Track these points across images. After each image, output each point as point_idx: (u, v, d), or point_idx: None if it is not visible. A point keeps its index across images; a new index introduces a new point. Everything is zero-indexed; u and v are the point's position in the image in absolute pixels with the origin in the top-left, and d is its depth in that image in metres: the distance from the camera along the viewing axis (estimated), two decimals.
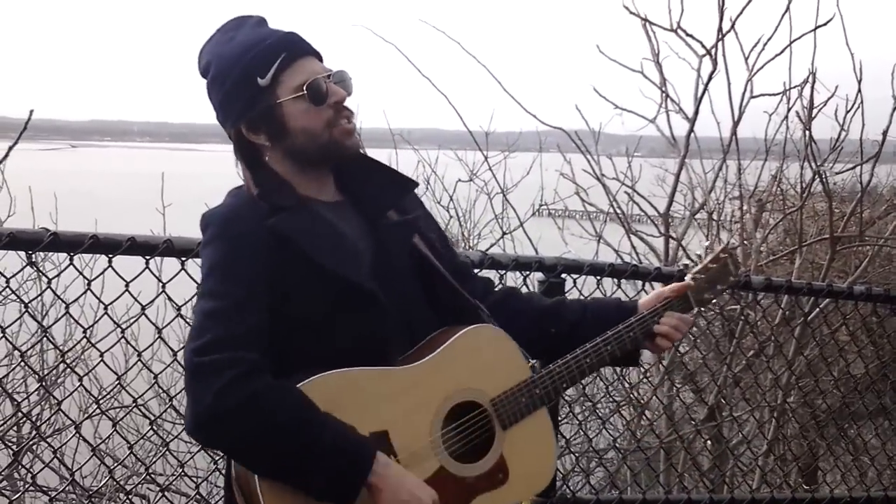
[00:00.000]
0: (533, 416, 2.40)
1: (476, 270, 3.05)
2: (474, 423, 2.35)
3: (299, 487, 2.10)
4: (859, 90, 5.68)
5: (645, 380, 5.01)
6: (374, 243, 2.37)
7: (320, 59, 2.38)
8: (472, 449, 2.35)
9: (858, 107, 5.75)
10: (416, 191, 2.60)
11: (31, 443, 4.73)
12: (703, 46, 5.85)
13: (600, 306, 2.68)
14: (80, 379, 3.21)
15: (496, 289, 2.74)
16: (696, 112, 6.00)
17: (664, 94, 6.08)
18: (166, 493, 3.31)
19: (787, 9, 5.67)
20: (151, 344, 3.19)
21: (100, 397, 3.34)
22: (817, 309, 5.36)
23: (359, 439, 2.13)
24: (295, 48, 2.32)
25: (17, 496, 3.91)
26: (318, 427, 2.08)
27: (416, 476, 2.20)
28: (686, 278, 2.69)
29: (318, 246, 2.25)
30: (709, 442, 5.79)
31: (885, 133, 5.76)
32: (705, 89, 5.92)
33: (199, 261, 3.01)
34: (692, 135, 6.10)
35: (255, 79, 2.27)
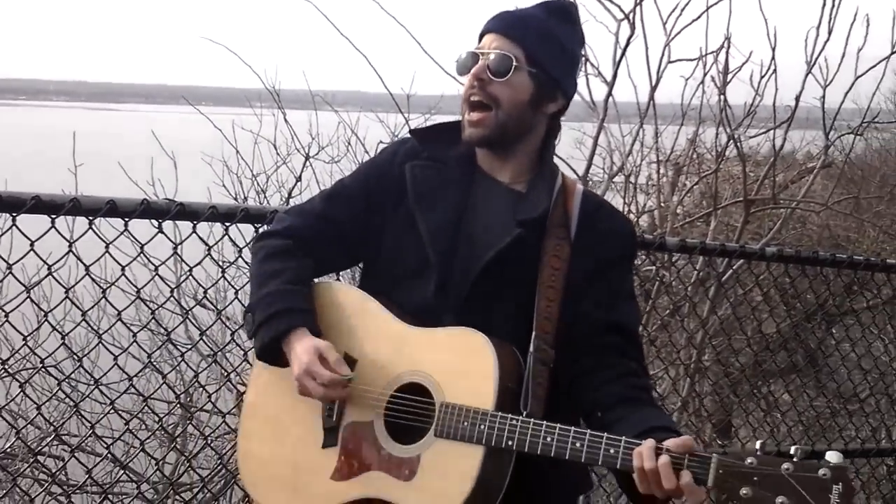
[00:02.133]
0: (467, 446, 2.24)
1: None
2: (418, 409, 2.32)
3: (246, 325, 2.49)
4: (773, 56, 5.77)
5: None
6: (506, 241, 2.39)
7: (514, 40, 2.42)
8: (400, 427, 2.34)
9: (772, 72, 5.84)
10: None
11: None
12: (622, 10, 5.87)
13: (641, 418, 2.26)
14: None
15: (618, 362, 2.41)
16: (615, 76, 6.02)
17: (584, 58, 6.10)
18: (76, 454, 3.27)
19: None
20: (59, 304, 3.14)
21: (7, 358, 3.27)
22: (731, 270, 5.46)
23: (296, 309, 2.40)
24: (488, 24, 2.48)
25: None
26: (279, 286, 2.42)
27: (349, 413, 2.40)
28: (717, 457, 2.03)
29: (424, 203, 2.45)
30: None
31: (797, 98, 5.86)
32: (623, 53, 5.94)
33: (110, 220, 3.02)
34: (611, 99, 6.14)
35: None
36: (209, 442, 4.21)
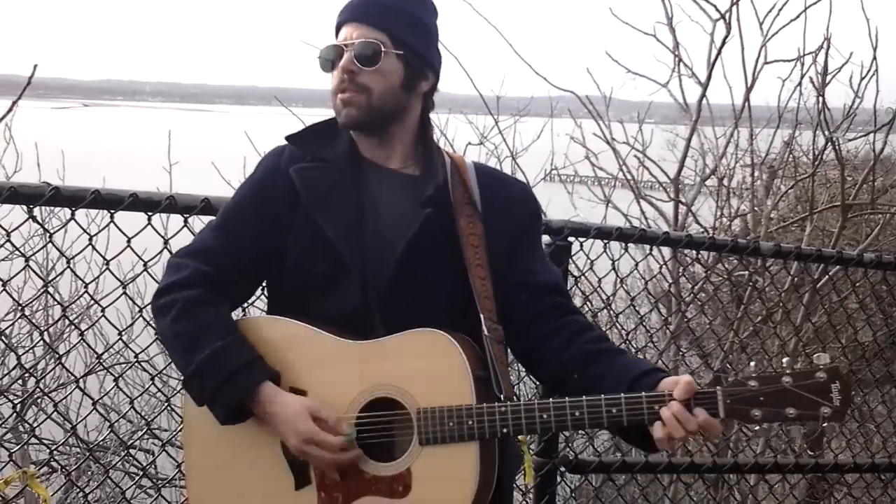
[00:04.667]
0: (458, 446, 2.19)
1: None
2: (391, 423, 2.24)
3: (194, 392, 2.28)
4: (874, 56, 5.63)
5: (651, 344, 5.00)
6: (417, 226, 2.32)
7: (375, 25, 2.33)
8: (381, 447, 2.25)
9: (873, 74, 5.70)
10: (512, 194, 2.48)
11: (34, 397, 4.75)
12: (717, 10, 5.79)
13: (622, 369, 2.27)
14: (82, 334, 3.21)
15: (565, 315, 2.40)
16: (709, 77, 5.95)
17: (677, 59, 6.03)
18: (167, 449, 3.32)
19: None
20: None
21: (102, 352, 3.33)
22: (827, 276, 5.33)
23: (249, 362, 2.24)
24: (344, 14, 2.39)
25: (17, 447, 3.93)
26: (215, 342, 2.24)
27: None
28: (729, 379, 2.14)
29: (321, 204, 2.33)
30: None
31: None
32: (718, 54, 5.87)
33: (203, 217, 3.05)
34: (704, 100, 6.06)
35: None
36: None
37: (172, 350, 2.35)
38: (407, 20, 2.37)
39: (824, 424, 2.13)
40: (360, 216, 2.35)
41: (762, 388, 2.11)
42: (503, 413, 2.18)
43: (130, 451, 4.58)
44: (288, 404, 2.22)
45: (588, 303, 4.06)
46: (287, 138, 2.44)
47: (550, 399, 2.18)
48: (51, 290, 3.82)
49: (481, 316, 2.30)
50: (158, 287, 2.36)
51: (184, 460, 2.44)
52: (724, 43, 5.78)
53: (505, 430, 2.18)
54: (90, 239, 2.92)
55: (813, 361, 2.12)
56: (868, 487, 5.00)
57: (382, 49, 2.31)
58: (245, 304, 2.72)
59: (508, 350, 2.39)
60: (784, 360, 2.16)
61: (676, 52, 5.99)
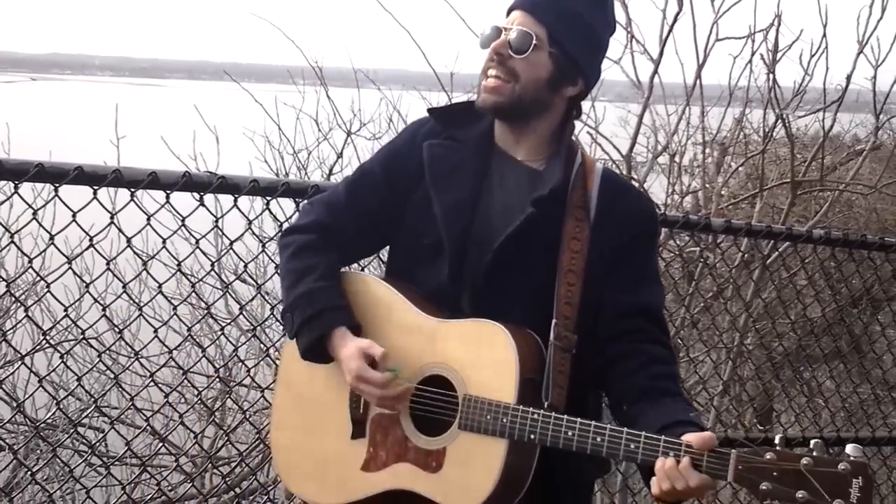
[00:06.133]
0: (490, 439, 2.26)
1: None
2: (442, 401, 2.33)
3: (287, 325, 2.46)
4: (824, 34, 5.66)
5: None
6: (519, 221, 2.38)
7: (539, 18, 2.38)
8: (425, 419, 2.35)
9: (823, 51, 5.73)
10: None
11: None
12: None
13: (661, 413, 2.25)
14: (27, 310, 3.16)
15: (642, 341, 2.38)
16: (661, 54, 5.95)
17: (629, 35, 6.02)
18: (116, 426, 3.29)
19: None
20: (101, 275, 3.14)
21: (47, 329, 3.28)
22: (776, 252, 5.38)
23: (334, 307, 2.39)
24: (516, 0, 2.45)
25: None
26: (313, 283, 2.41)
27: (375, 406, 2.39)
28: (738, 452, 2.04)
29: (440, 181, 2.44)
30: None
31: (848, 78, 5.75)
32: (670, 30, 5.86)
33: (152, 192, 3.02)
34: (656, 77, 6.06)
35: None
36: (248, 416, 4.22)
37: (282, 285, 2.53)
38: (573, 23, 2.42)
39: None
40: (475, 199, 2.44)
41: (778, 463, 2.01)
42: (534, 420, 2.23)
43: (79, 428, 4.52)
44: (346, 345, 2.36)
45: None
46: (429, 111, 2.54)
47: (578, 419, 2.21)
48: None
49: (553, 321, 2.33)
50: (287, 227, 2.63)
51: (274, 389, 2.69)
52: (675, 20, 5.78)
53: (532, 437, 2.23)
54: (34, 213, 2.88)
55: (845, 449, 1.99)
56: None
57: (535, 41, 2.37)
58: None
59: (580, 360, 2.37)
60: (813, 441, 2.03)
61: (629, 29, 5.98)
